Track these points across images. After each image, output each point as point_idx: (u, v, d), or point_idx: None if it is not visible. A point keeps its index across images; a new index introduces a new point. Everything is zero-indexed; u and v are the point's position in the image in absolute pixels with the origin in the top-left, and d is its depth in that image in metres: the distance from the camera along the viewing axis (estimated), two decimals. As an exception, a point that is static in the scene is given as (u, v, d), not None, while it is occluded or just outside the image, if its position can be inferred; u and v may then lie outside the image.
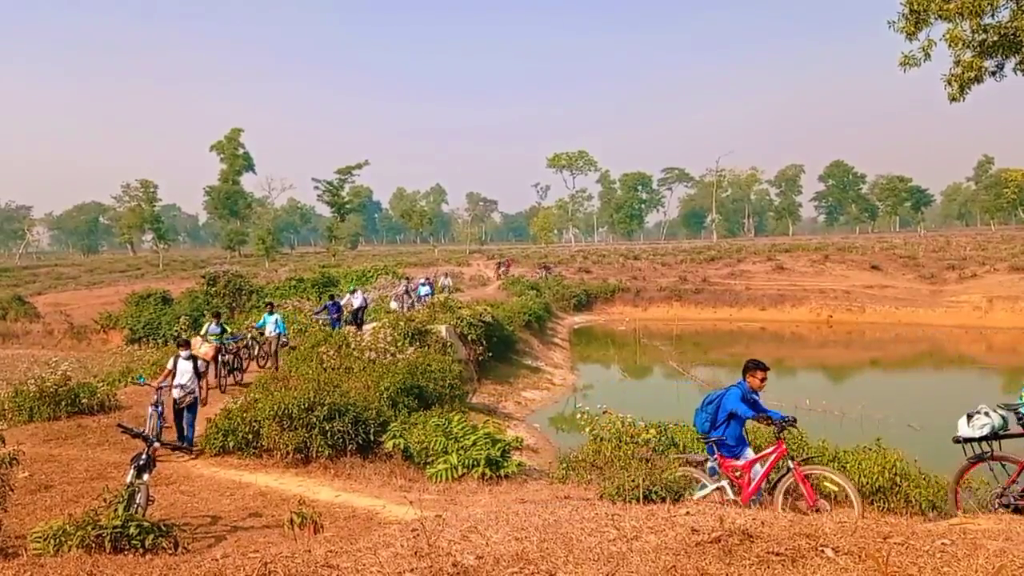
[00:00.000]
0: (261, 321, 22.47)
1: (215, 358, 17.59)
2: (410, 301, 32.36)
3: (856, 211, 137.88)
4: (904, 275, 56.37)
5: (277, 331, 21.80)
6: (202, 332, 19.32)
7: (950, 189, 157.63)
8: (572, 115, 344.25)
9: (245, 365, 20.83)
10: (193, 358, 13.73)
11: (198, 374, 13.65)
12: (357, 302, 27.54)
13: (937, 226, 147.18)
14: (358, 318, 27.19)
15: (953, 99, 12.83)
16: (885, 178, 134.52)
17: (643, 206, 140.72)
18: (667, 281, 59.89)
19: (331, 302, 27.53)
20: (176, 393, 13.34)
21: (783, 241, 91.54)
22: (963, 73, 12.46)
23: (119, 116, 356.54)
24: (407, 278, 40.01)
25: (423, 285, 35.76)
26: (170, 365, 13.59)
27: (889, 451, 10.94)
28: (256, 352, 22.35)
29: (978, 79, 12.52)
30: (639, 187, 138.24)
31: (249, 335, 22.20)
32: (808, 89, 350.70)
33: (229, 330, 20.81)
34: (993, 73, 12.61)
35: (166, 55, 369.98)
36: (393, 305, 31.94)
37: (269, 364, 21.49)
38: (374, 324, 25.25)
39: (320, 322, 26.65)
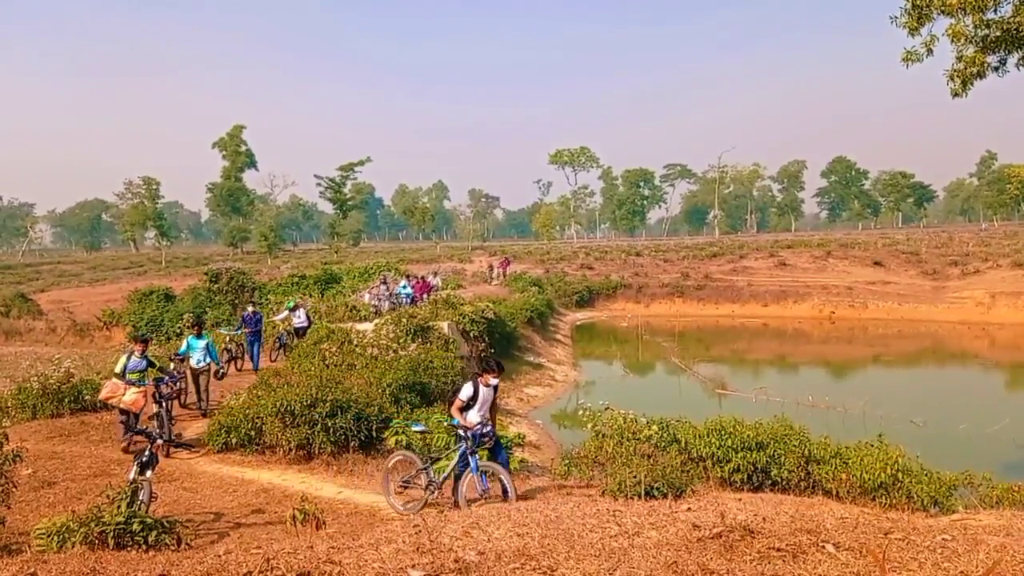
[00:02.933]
0: (184, 347, 16.25)
1: (157, 399, 12.90)
2: (387, 295, 31.40)
3: (859, 207, 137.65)
4: (907, 271, 56.27)
5: (208, 360, 15.99)
6: (117, 369, 13.32)
7: (953, 185, 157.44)
8: (574, 111, 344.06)
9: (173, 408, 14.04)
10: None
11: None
12: (298, 320, 23.52)
13: (940, 222, 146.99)
14: (301, 337, 22.77)
15: (956, 95, 12.79)
16: (888, 174, 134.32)
17: (645, 202, 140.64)
18: (669, 277, 59.83)
19: (250, 312, 21.86)
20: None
21: (785, 237, 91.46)
22: (966, 68, 12.42)
23: (121, 113, 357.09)
24: (407, 275, 39.98)
25: (404, 287, 33.70)
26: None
27: (891, 447, 10.92)
28: (182, 389, 16.23)
29: (981, 74, 12.49)
30: (641, 183, 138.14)
31: (172, 366, 15.77)
32: (811, 85, 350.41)
33: (157, 364, 14.04)
34: (996, 68, 12.56)
35: (167, 50, 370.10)
36: (366, 298, 31.08)
37: (201, 404, 15.81)
38: (376, 322, 25.24)
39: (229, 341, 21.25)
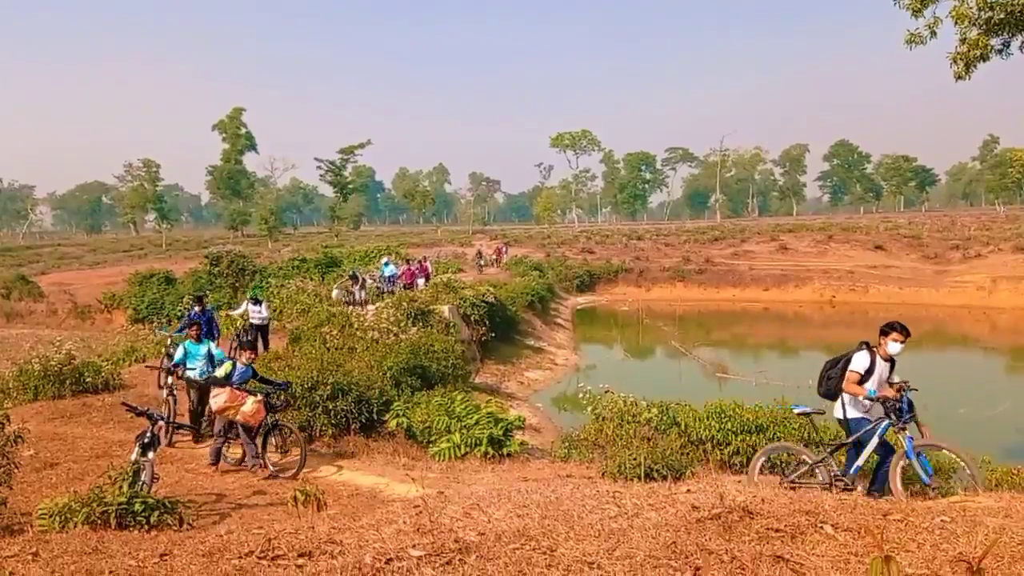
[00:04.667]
0: (179, 355, 13.01)
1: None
2: (358, 289, 28.81)
3: (861, 191, 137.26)
4: (908, 255, 56.25)
5: (210, 370, 12.87)
6: (220, 374, 11.21)
7: (955, 169, 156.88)
8: (576, 94, 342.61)
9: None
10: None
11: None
12: (257, 315, 19.73)
13: (942, 206, 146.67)
14: (264, 337, 19.89)
15: (959, 77, 12.72)
16: (890, 158, 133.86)
17: (647, 186, 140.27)
18: (670, 262, 59.86)
19: (196, 311, 16.87)
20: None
21: (787, 221, 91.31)
22: (969, 51, 12.34)
23: (120, 94, 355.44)
24: (407, 260, 39.90)
25: (386, 265, 32.98)
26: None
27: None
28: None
29: (984, 57, 12.41)
30: (643, 167, 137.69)
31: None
32: (813, 68, 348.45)
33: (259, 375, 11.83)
34: (999, 51, 12.49)
35: (166, 31, 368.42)
36: (335, 294, 28.47)
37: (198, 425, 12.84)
38: (377, 305, 25.24)
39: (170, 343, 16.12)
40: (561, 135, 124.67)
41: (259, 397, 10.81)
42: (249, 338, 17.93)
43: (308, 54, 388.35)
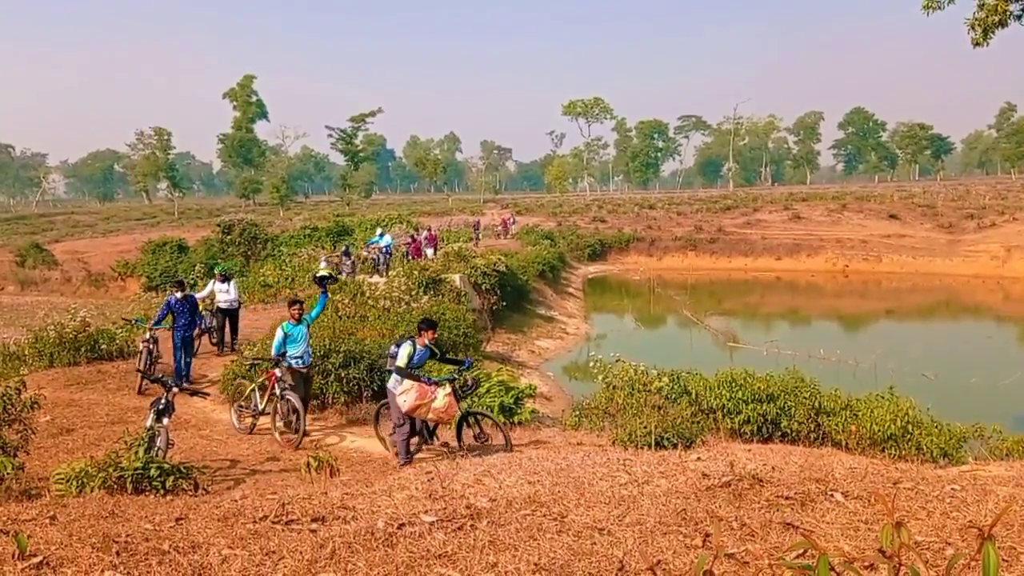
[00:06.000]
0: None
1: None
2: (349, 264, 28.63)
3: (875, 159, 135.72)
4: (922, 224, 55.77)
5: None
6: (402, 363, 9.32)
7: (971, 137, 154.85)
8: (588, 60, 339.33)
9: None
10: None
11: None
12: (225, 300, 16.87)
13: (957, 175, 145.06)
14: (232, 324, 17.12)
15: (976, 44, 12.54)
16: (905, 125, 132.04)
17: (659, 155, 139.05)
18: (682, 231, 59.60)
19: (178, 298, 14.41)
20: None
21: (800, 190, 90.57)
22: (987, 17, 12.15)
23: (132, 62, 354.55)
24: (416, 228, 39.73)
25: (380, 236, 30.67)
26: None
27: (901, 399, 10.95)
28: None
29: (1002, 23, 12.22)
30: (655, 135, 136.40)
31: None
32: (829, 34, 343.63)
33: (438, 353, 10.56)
34: (1019, 17, 12.29)
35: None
36: (322, 266, 27.63)
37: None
38: (389, 274, 25.22)
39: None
40: (573, 103, 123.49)
41: (447, 388, 9.23)
42: (215, 324, 16.74)
43: (324, 20, 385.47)
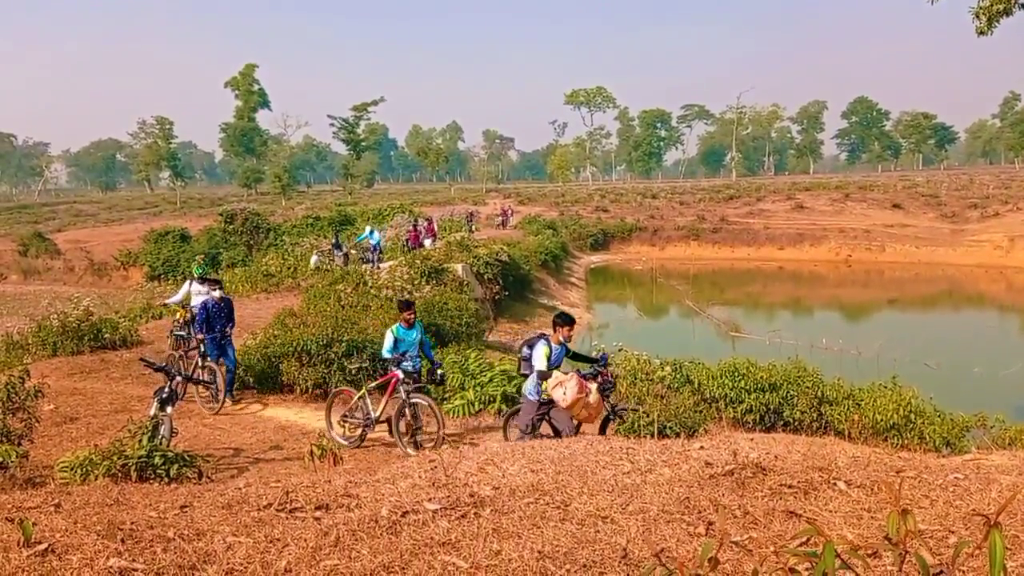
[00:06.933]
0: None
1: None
2: (340, 256, 28.32)
3: (879, 149, 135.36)
4: (925, 214, 55.63)
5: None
6: (542, 367, 8.65)
7: (975, 126, 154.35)
8: (591, 49, 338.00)
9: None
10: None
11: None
12: (199, 300, 13.96)
13: (961, 164, 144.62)
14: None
15: (981, 32, 12.48)
16: (909, 115, 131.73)
17: (662, 144, 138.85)
18: (685, 220, 59.48)
19: (215, 299, 12.95)
20: None
21: (803, 179, 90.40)
22: (992, 5, 12.09)
23: (135, 50, 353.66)
24: (416, 219, 39.66)
25: (371, 233, 29.68)
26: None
27: (904, 389, 10.96)
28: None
29: (1007, 11, 12.16)
30: (658, 124, 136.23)
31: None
32: (833, 23, 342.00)
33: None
34: (1023, 5, 12.23)
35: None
36: (313, 261, 27.70)
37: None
38: (391, 263, 25.23)
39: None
40: (576, 92, 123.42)
41: (591, 382, 8.55)
42: (180, 336, 14.72)
43: (326, 8, 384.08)
